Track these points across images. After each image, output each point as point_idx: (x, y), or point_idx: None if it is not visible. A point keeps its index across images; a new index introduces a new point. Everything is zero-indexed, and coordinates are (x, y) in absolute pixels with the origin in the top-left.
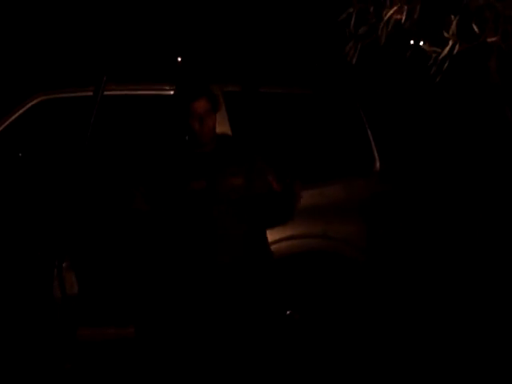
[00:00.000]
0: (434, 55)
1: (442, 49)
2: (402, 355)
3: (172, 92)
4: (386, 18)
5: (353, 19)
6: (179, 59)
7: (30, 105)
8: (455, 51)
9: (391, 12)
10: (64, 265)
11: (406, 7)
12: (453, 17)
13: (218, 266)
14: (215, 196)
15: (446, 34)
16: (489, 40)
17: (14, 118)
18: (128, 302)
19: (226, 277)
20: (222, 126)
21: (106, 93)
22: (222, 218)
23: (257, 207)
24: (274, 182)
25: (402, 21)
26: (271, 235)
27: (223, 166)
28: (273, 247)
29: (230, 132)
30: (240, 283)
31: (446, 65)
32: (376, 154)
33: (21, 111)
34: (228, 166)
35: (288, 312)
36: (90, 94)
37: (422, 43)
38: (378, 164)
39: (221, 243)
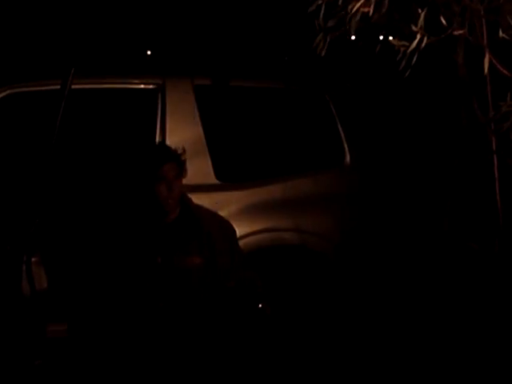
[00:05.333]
0: (402, 49)
1: (410, 43)
2: (372, 350)
3: (142, 86)
4: (353, 11)
5: (322, 11)
6: (148, 52)
7: None
8: (423, 45)
9: (358, 4)
10: (33, 260)
11: (373, 0)
12: (420, 10)
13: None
14: (170, 273)
15: (413, 28)
16: (456, 33)
17: None
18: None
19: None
20: (192, 120)
21: (73, 86)
22: (170, 296)
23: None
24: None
25: (370, 14)
26: (241, 229)
27: (183, 241)
28: (243, 241)
29: (200, 127)
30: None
31: (414, 59)
32: (346, 147)
33: None
34: (188, 242)
35: (260, 305)
36: (58, 87)
37: (391, 38)
38: (348, 157)
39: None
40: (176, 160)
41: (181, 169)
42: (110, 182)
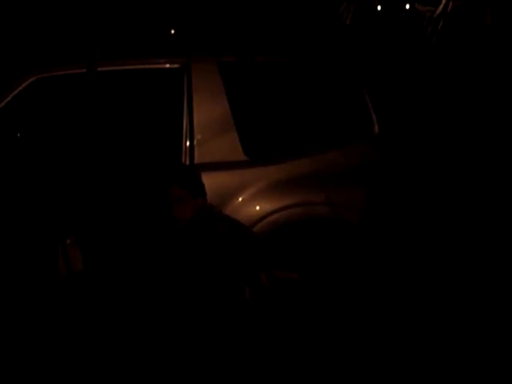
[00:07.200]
0: (428, 14)
1: (436, 8)
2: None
3: (167, 65)
4: None
5: None
6: (172, 31)
7: (24, 84)
8: (449, 9)
9: None
10: (68, 241)
11: None
12: None
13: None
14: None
15: None
16: None
17: (9, 98)
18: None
19: None
20: (218, 98)
21: (99, 69)
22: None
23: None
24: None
25: None
26: (272, 204)
27: (191, 245)
28: (274, 216)
29: (227, 104)
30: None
31: (440, 23)
32: (374, 118)
33: (16, 91)
34: (195, 245)
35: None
36: (84, 70)
37: (416, 4)
38: (376, 128)
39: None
40: (179, 182)
41: (191, 189)
42: (136, 165)
